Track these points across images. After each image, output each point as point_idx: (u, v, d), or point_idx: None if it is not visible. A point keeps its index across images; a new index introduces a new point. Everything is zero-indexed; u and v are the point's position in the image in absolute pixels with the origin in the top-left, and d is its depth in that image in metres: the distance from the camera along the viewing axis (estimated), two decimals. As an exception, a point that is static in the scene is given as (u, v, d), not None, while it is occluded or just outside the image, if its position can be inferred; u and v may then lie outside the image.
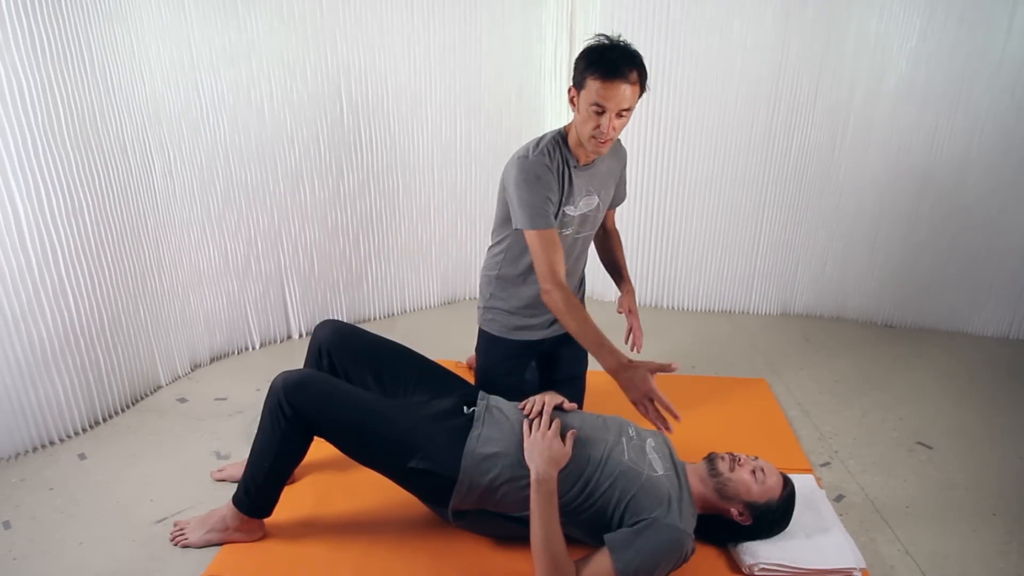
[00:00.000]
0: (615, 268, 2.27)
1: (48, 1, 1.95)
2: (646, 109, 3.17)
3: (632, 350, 2.17)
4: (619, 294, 2.24)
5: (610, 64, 1.72)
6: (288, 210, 2.85)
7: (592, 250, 2.26)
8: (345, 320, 2.69)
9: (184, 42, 2.41)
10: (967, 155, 3.02)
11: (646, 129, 3.22)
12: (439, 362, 1.94)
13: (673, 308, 3.52)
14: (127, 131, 2.29)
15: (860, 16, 2.93)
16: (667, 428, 1.66)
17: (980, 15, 2.82)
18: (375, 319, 3.26)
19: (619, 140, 2.07)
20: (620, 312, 2.21)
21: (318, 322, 2.02)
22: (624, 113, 1.78)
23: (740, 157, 3.21)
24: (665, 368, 1.68)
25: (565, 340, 2.13)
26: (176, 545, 1.74)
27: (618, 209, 2.26)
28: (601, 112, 1.75)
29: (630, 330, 2.16)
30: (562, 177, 1.91)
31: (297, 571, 1.66)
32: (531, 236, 1.86)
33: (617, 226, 2.30)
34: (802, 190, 3.24)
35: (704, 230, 3.36)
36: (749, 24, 3.00)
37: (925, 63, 2.93)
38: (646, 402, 1.65)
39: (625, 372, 1.68)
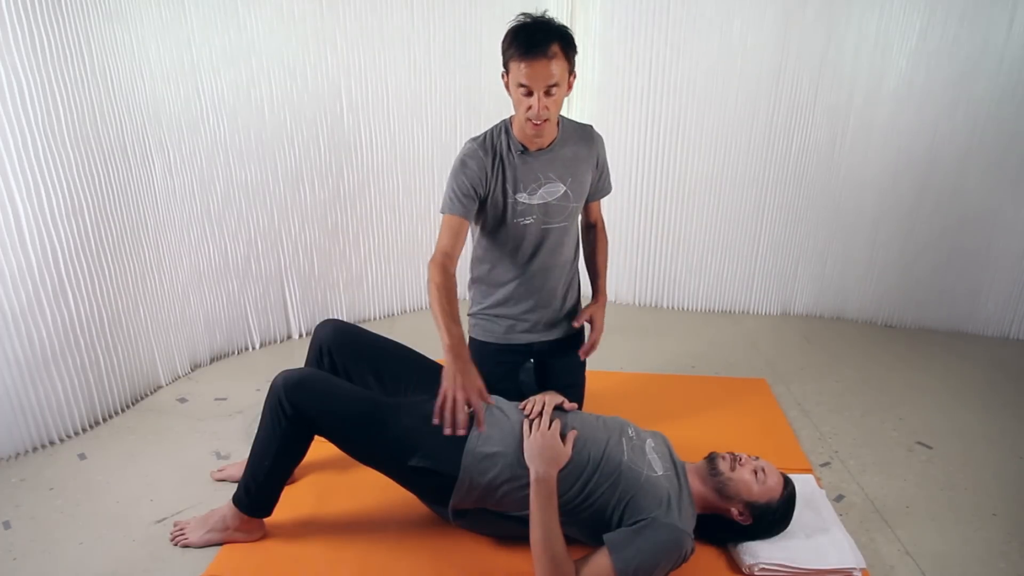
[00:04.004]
0: (593, 273, 2.21)
1: (48, 1, 1.95)
2: (646, 109, 3.18)
3: (580, 356, 2.11)
4: (589, 301, 2.16)
5: (526, 41, 1.69)
6: (288, 210, 2.85)
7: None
8: (345, 320, 2.69)
9: (184, 42, 2.41)
10: (967, 155, 3.02)
11: (646, 129, 3.22)
12: (439, 362, 1.94)
13: (673, 308, 3.52)
14: (127, 131, 2.29)
15: (860, 16, 2.94)
16: (449, 427, 1.52)
17: (980, 15, 2.83)
18: (375, 319, 3.26)
19: (591, 126, 2.03)
20: (576, 323, 2.11)
21: (318, 322, 2.02)
22: (553, 90, 1.74)
23: (740, 157, 3.21)
24: (479, 405, 1.58)
25: (557, 350, 2.13)
26: (176, 545, 1.74)
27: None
28: (529, 93, 1.74)
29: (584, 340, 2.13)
30: (501, 163, 1.89)
31: (297, 571, 1.66)
32: (443, 219, 1.88)
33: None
34: (802, 190, 3.24)
35: (704, 230, 3.36)
36: (749, 24, 3.01)
37: (925, 63, 2.93)
38: (457, 395, 1.53)
39: (458, 361, 1.60)
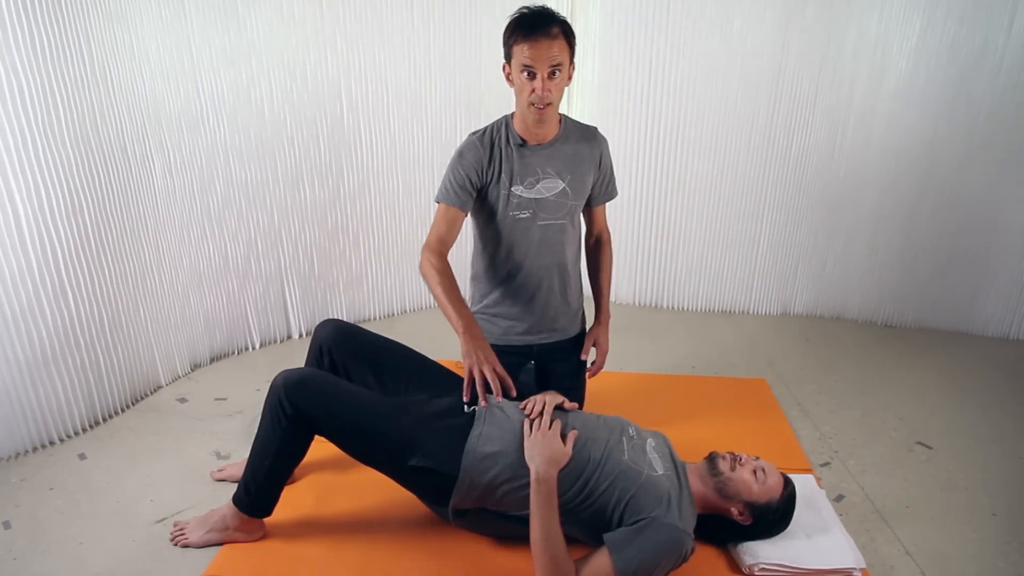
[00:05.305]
0: (596, 291, 2.21)
1: (48, 1, 1.95)
2: (646, 109, 3.18)
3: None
4: (592, 323, 2.18)
5: (529, 23, 1.75)
6: (288, 210, 2.85)
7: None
8: (345, 320, 2.69)
9: (184, 42, 2.41)
10: (967, 155, 3.02)
11: (646, 129, 3.22)
12: (439, 362, 1.95)
13: (673, 308, 3.52)
14: (127, 131, 2.29)
15: (860, 16, 2.94)
16: (484, 401, 1.64)
17: (980, 15, 2.83)
18: (375, 319, 3.26)
19: (595, 127, 2.04)
20: (584, 355, 2.14)
21: (318, 322, 2.02)
22: (556, 72, 1.77)
23: (740, 157, 3.21)
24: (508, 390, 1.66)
25: (558, 352, 2.13)
26: (176, 545, 1.73)
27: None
28: (533, 75, 1.77)
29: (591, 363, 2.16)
30: (499, 155, 1.91)
31: (297, 571, 1.66)
32: (438, 208, 1.92)
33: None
34: (802, 190, 3.24)
35: (704, 230, 3.36)
36: (749, 24, 3.01)
37: (925, 63, 2.93)
38: (483, 368, 1.63)
39: (474, 339, 1.69)
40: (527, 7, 1.80)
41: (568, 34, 1.79)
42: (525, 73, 1.77)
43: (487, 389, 1.64)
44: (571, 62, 1.82)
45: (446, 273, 1.81)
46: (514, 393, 1.66)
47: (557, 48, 1.75)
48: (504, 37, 1.81)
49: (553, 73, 1.77)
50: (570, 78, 1.85)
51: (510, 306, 2.06)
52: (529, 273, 2.02)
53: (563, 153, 1.95)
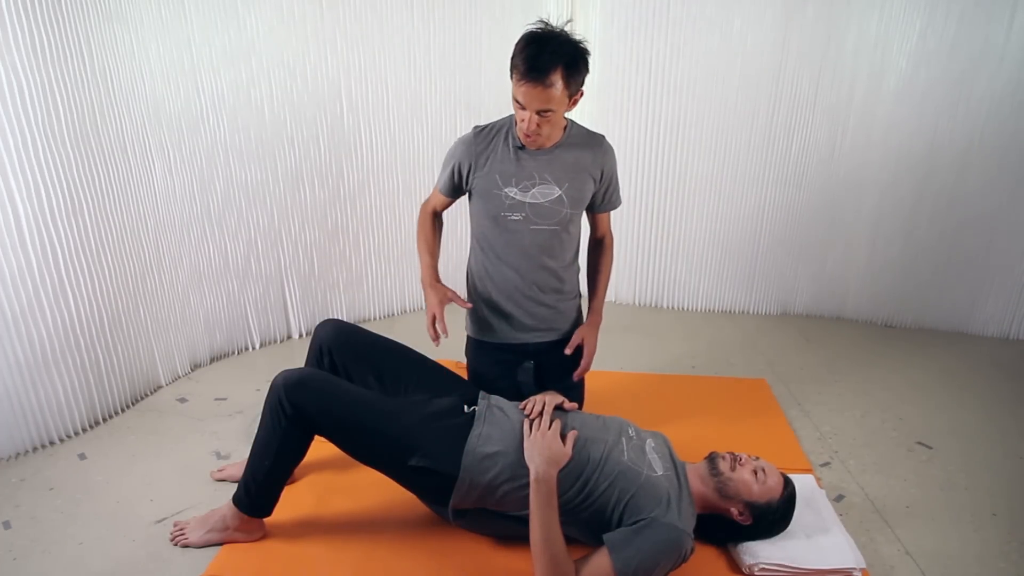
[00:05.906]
0: (591, 291, 2.17)
1: (48, 1, 1.95)
2: (646, 109, 3.18)
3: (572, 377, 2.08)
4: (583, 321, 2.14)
5: (528, 63, 1.66)
6: (288, 210, 2.85)
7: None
8: (345, 320, 2.69)
9: (184, 42, 2.41)
10: (967, 155, 3.02)
11: (646, 129, 3.22)
12: (439, 362, 1.95)
13: (673, 308, 3.52)
14: (127, 131, 2.29)
15: (860, 16, 2.94)
16: (436, 341, 1.87)
17: (980, 15, 2.83)
18: (375, 319, 3.26)
19: (603, 136, 1.99)
20: (568, 350, 2.03)
21: (318, 322, 2.03)
22: (547, 113, 1.73)
23: (740, 157, 3.21)
24: (459, 303, 1.95)
25: (556, 351, 2.10)
26: (176, 545, 1.74)
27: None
28: (523, 108, 1.75)
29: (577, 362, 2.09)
30: (493, 154, 1.91)
31: (297, 571, 1.66)
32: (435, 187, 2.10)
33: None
34: (802, 190, 3.24)
35: (704, 230, 3.36)
36: (749, 24, 3.01)
37: (925, 63, 2.93)
38: (437, 311, 1.87)
39: (426, 288, 1.94)
40: (545, 24, 1.72)
41: (573, 72, 1.70)
42: (516, 103, 1.75)
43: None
44: (577, 91, 1.76)
45: (425, 229, 2.07)
46: (448, 334, 1.86)
47: (551, 94, 1.68)
48: (514, 50, 1.72)
49: (543, 113, 1.73)
50: (574, 103, 1.79)
51: (505, 305, 2.05)
52: (523, 274, 2.00)
53: (563, 160, 1.91)
